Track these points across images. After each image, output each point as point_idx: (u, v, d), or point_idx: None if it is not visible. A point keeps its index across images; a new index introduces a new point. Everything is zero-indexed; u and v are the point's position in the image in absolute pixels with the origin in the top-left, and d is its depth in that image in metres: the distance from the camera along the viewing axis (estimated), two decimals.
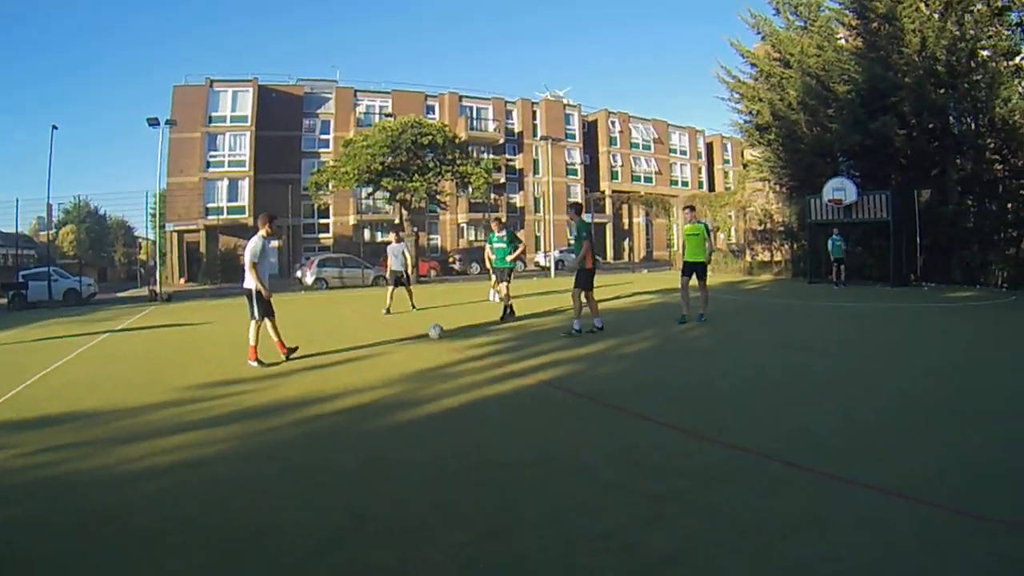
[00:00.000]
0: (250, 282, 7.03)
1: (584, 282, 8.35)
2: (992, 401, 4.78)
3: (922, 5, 15.74)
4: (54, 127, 24.89)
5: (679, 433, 4.10)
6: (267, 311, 7.09)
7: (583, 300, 8.45)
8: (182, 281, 34.39)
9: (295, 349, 7.44)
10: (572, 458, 3.71)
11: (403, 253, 12.94)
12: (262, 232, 7.15)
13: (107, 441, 4.55)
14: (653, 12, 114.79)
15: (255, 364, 6.94)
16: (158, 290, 22.35)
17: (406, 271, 12.91)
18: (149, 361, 7.94)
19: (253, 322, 7.06)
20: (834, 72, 17.65)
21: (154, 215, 27.87)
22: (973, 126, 15.75)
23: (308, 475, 3.64)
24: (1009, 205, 15.70)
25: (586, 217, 9.14)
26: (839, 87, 17.51)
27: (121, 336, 11.10)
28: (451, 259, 35.54)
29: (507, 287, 10.81)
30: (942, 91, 15.62)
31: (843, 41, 18.68)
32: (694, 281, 9.38)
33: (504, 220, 11.54)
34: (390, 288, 12.77)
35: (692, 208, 10.10)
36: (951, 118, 16.15)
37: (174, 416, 5.10)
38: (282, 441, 4.34)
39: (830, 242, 16.33)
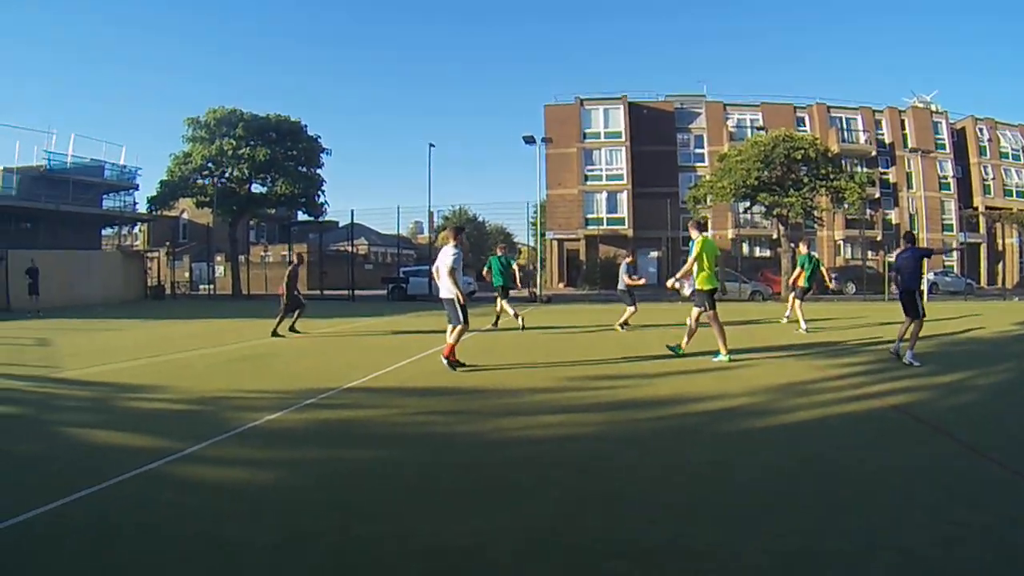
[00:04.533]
0: (449, 291, 7.46)
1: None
2: None
3: None
4: (431, 145, 30.74)
5: (1011, 475, 3.74)
6: (466, 317, 7.49)
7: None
8: (561, 285, 38.61)
9: (462, 364, 7.64)
10: (896, 480, 3.70)
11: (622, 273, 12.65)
12: (453, 243, 7.63)
13: (486, 413, 5.28)
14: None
15: (447, 364, 7.49)
16: (538, 292, 25.31)
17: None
18: (531, 352, 8.96)
19: (459, 327, 7.48)
20: None
21: (534, 223, 31.75)
22: None
23: (662, 462, 4.10)
24: None
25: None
26: None
27: (501, 333, 12.18)
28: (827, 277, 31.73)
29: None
30: None
31: None
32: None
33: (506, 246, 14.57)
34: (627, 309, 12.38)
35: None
36: None
37: (552, 400, 5.99)
38: (646, 432, 4.85)
39: None
